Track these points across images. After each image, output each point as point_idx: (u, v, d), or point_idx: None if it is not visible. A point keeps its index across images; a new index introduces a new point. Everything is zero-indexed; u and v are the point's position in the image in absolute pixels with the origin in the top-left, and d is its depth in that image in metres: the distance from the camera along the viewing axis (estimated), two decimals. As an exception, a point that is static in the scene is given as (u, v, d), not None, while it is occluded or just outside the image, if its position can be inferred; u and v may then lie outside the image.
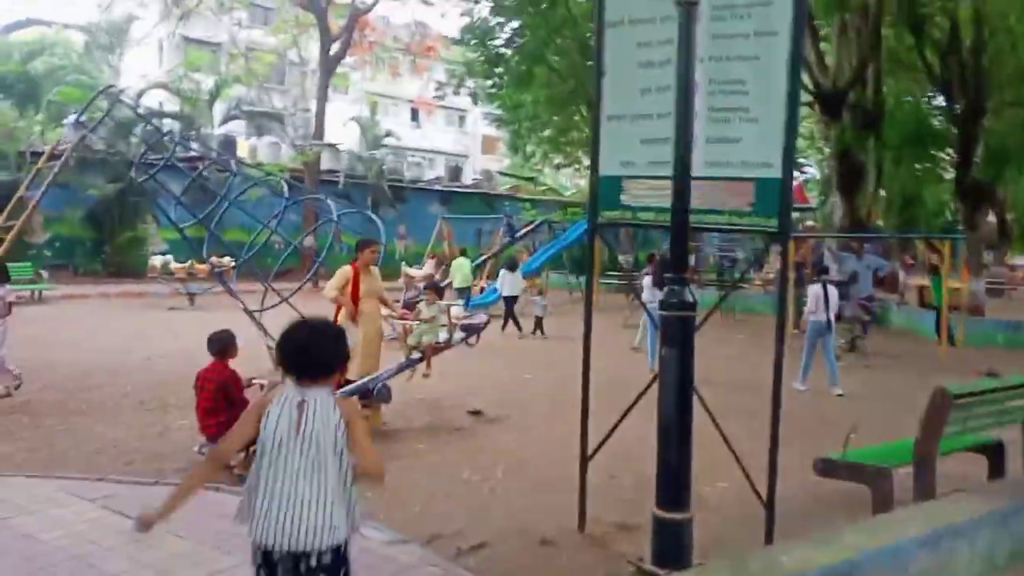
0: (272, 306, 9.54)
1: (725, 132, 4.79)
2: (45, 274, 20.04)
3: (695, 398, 4.53)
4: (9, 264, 18.63)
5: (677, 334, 4.39)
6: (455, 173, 40.64)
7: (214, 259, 17.20)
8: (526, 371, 11.91)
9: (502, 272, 17.45)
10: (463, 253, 19.60)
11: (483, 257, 23.05)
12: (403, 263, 21.69)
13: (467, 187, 39.82)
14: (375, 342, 8.20)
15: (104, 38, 28.75)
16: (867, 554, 2.67)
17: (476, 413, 8.91)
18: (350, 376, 7.33)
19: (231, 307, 9.87)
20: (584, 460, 5.45)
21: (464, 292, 17.94)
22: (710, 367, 11.20)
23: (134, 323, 15.87)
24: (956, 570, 3.06)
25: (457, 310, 10.06)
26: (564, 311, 18.01)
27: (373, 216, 10.89)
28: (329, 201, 10.52)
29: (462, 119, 53.49)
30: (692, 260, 27.83)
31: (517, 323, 16.46)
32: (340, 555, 2.99)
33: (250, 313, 9.36)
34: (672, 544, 4.34)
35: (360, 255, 8.08)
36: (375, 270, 8.30)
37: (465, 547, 5.03)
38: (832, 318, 11.19)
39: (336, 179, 31.59)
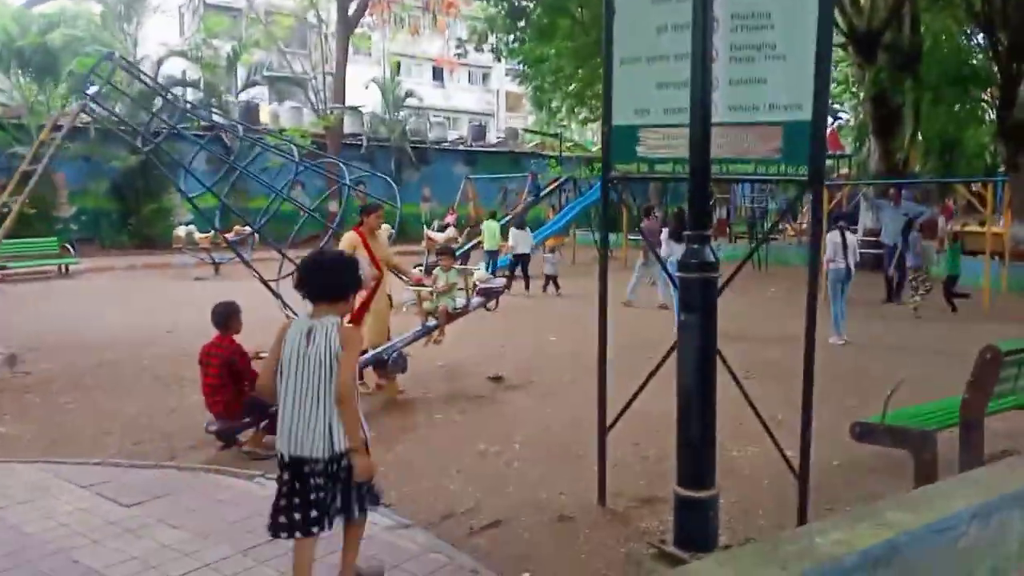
0: (288, 274, 9.27)
1: (749, 72, 4.33)
2: (72, 248, 20.00)
3: (719, 362, 4.16)
4: (34, 239, 18.95)
5: (698, 298, 4.00)
6: (479, 132, 39.97)
7: (237, 228, 17.09)
8: (551, 333, 11.59)
9: (512, 231, 17.29)
10: (492, 216, 19.17)
11: (508, 217, 22.65)
12: (425, 226, 21.35)
13: (492, 146, 39.23)
14: (384, 311, 7.90)
15: (121, 7, 28.23)
16: (911, 533, 2.35)
17: (497, 379, 8.61)
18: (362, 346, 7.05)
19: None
20: (603, 430, 5.11)
21: (494, 255, 17.64)
22: (740, 322, 10.91)
23: (159, 294, 15.78)
24: (1010, 545, 2.72)
25: (480, 274, 9.75)
26: (591, 270, 17.57)
27: (388, 179, 10.56)
28: (341, 164, 10.18)
29: (485, 77, 52.70)
30: (724, 212, 27.20)
31: (527, 280, 16.64)
32: (343, 463, 3.38)
33: (265, 282, 9.12)
34: (696, 524, 3.99)
35: (365, 220, 7.76)
36: (382, 235, 7.99)
37: (478, 526, 4.76)
38: (852, 265, 10.78)
39: (359, 142, 31.28)
